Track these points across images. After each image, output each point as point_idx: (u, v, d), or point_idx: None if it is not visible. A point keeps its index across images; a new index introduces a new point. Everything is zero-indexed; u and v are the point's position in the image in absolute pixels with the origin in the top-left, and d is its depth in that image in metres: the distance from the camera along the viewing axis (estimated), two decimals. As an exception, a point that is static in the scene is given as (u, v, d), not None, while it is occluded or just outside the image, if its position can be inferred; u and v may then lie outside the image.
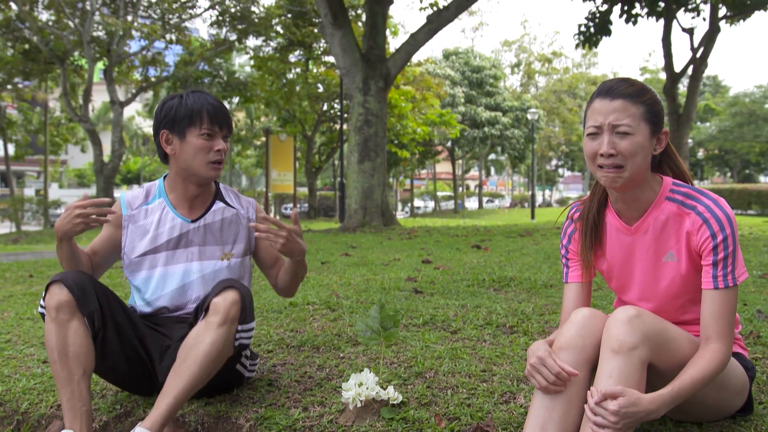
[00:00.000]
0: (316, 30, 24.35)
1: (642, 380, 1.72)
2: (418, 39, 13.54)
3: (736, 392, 1.97)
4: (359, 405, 2.20)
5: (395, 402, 2.25)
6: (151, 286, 2.45)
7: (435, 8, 14.98)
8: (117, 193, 28.11)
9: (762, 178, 55.97)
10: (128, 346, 2.33)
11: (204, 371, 2.13)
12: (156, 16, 23.93)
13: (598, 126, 1.85)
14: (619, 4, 16.13)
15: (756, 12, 16.04)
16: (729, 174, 56.28)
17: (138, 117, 47.74)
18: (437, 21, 13.49)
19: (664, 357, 1.79)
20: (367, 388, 2.22)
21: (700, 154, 53.01)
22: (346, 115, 24.04)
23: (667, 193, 1.94)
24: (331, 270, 5.81)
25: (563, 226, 2.19)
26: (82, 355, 2.15)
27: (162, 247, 2.45)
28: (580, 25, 16.66)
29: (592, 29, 16.62)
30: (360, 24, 21.83)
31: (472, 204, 57.59)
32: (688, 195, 1.91)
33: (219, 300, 2.17)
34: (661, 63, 52.59)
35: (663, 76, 43.12)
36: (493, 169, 70.68)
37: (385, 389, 2.26)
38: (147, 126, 48.34)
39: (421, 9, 15.72)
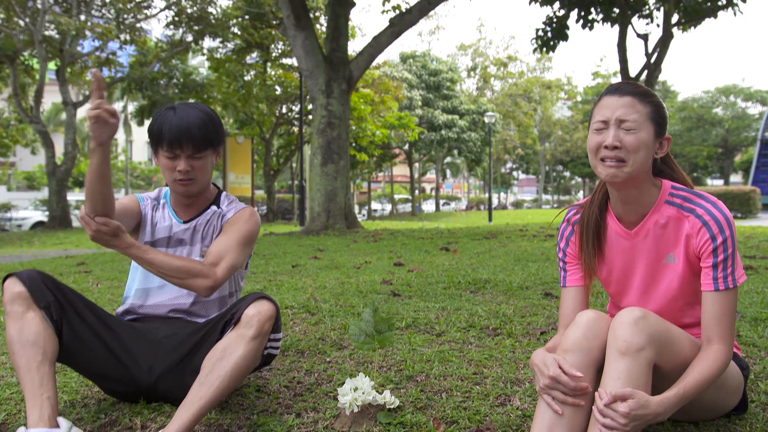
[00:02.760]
0: (274, 32, 24.15)
1: (648, 382, 1.73)
2: (381, 42, 13.52)
3: (732, 391, 1.99)
4: (356, 410, 2.17)
5: (392, 406, 2.23)
6: (141, 274, 2.53)
7: (398, 11, 15.00)
8: (70, 197, 27.42)
9: (709, 181, 57.50)
10: (96, 337, 2.31)
11: (232, 384, 2.11)
12: (110, 16, 23.44)
13: (605, 120, 1.88)
14: (576, 10, 16.38)
15: (706, 19, 16.50)
16: (678, 177, 57.55)
17: (90, 118, 46.63)
18: (400, 24, 13.50)
19: (668, 358, 1.80)
20: (363, 393, 2.18)
21: (651, 157, 54.09)
22: (305, 118, 23.92)
23: (666, 196, 1.95)
24: (304, 273, 5.75)
25: (560, 228, 2.18)
26: (40, 340, 2.12)
27: (159, 243, 2.51)
28: (537, 30, 16.85)
29: (549, 34, 16.84)
30: (319, 26, 21.73)
31: (428, 207, 57.78)
32: (687, 198, 1.93)
33: (253, 312, 2.14)
34: (613, 68, 53.87)
35: (615, 80, 43.97)
36: (449, 172, 71.14)
37: (380, 393, 2.23)
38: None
39: (383, 12, 15.70)
